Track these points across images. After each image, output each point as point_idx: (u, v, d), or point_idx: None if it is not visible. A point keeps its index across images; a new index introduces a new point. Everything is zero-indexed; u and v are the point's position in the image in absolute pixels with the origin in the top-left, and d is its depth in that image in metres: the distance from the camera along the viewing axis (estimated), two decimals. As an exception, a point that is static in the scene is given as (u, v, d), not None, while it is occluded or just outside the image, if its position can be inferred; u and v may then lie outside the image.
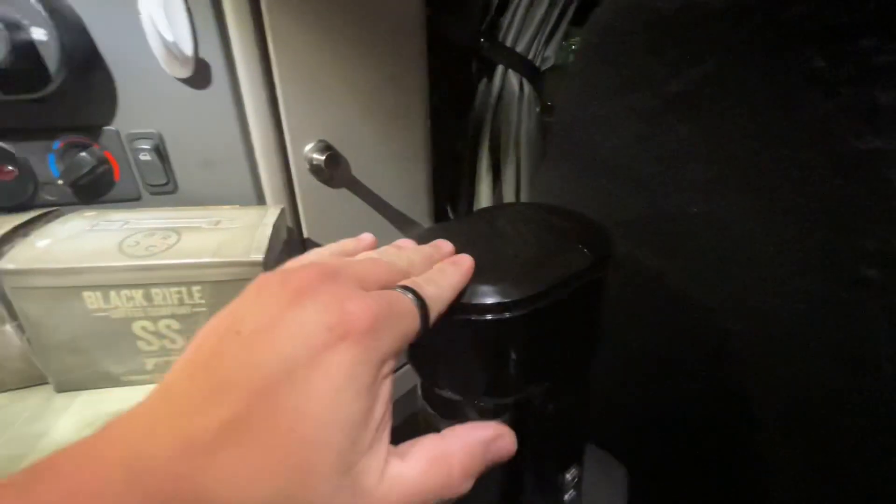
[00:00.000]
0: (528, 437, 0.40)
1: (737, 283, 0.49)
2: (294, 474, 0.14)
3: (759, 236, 0.46)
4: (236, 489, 0.14)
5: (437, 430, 0.42)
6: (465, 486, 0.19)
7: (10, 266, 0.30)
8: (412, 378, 0.41)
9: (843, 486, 0.44)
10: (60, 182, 0.39)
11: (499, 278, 0.31)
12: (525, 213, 0.44)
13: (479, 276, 0.32)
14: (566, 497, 0.45)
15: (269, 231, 0.36)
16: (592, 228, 0.39)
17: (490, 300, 0.30)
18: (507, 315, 0.30)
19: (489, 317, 0.30)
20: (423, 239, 0.39)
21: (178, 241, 0.34)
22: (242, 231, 0.36)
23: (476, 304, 0.30)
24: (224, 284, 0.33)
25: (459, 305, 0.30)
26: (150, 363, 0.34)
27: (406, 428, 0.61)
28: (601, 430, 0.55)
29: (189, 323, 0.33)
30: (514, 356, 0.33)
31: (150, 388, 0.34)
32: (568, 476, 0.44)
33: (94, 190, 0.40)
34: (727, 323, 0.50)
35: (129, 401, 0.34)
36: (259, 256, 0.33)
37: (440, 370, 0.35)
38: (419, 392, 0.40)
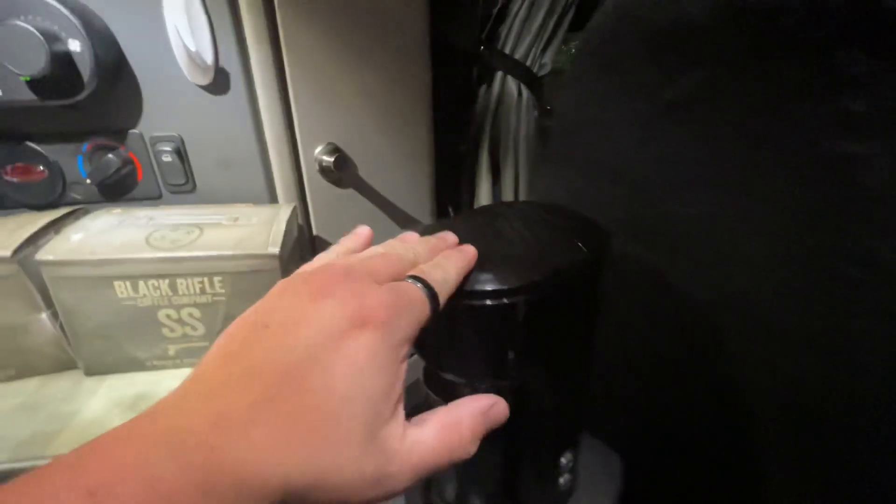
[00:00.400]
0: (526, 421, 0.43)
1: (732, 282, 0.51)
2: (322, 443, 0.16)
3: (752, 236, 0.49)
4: (268, 458, 0.15)
5: None
6: (473, 447, 0.22)
7: (50, 257, 0.32)
8: (415, 371, 0.43)
9: (835, 479, 0.47)
10: (88, 182, 0.42)
11: (498, 268, 0.34)
12: (523, 211, 0.47)
13: (480, 266, 0.34)
14: (561, 480, 0.48)
15: (283, 227, 0.39)
16: (588, 225, 0.42)
17: (490, 287, 0.32)
18: (505, 301, 0.33)
19: (489, 302, 0.32)
20: (425, 234, 0.42)
21: (201, 235, 0.36)
22: (259, 227, 0.38)
23: (477, 291, 0.32)
24: (243, 275, 0.35)
25: (461, 292, 0.33)
26: (172, 349, 0.37)
27: (410, 416, 0.63)
28: (599, 421, 0.57)
29: (209, 312, 0.36)
30: (511, 342, 0.36)
31: (172, 372, 0.37)
32: (563, 460, 0.47)
33: (118, 189, 0.43)
34: (722, 320, 0.53)
35: (154, 384, 0.37)
36: (276, 250, 0.35)
37: (444, 354, 0.37)
38: (422, 379, 0.43)
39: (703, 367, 0.55)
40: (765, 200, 0.47)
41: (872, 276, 0.40)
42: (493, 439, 0.45)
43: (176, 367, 0.38)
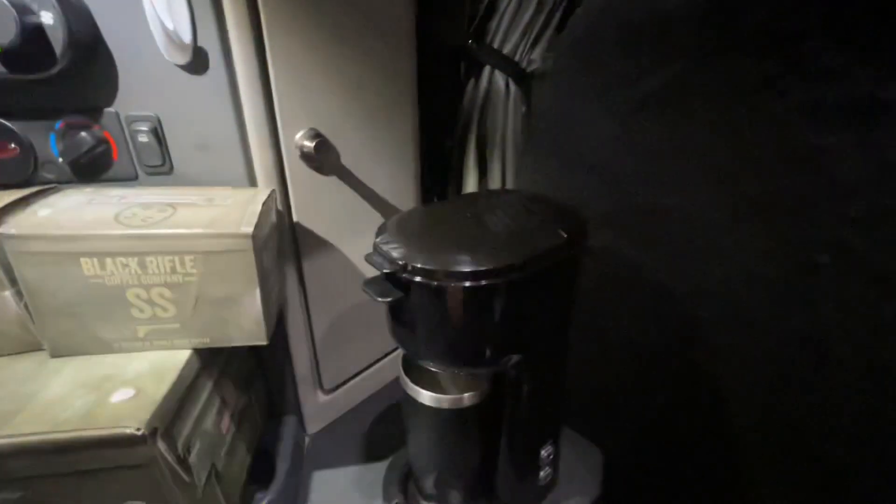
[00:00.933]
0: (505, 412, 0.42)
1: (706, 273, 0.52)
2: None
3: (724, 227, 0.49)
4: None
5: (417, 414, 0.44)
6: None
7: (13, 231, 0.32)
8: (395, 369, 0.42)
9: (809, 464, 0.47)
10: (60, 160, 0.41)
11: (477, 250, 0.34)
12: (506, 199, 0.47)
13: (460, 248, 0.34)
14: (541, 474, 0.47)
15: (259, 208, 0.38)
16: (568, 213, 0.42)
17: (467, 269, 0.32)
18: (483, 283, 0.32)
19: (467, 284, 0.32)
20: (405, 219, 0.41)
21: (174, 214, 0.35)
22: (234, 207, 0.38)
23: (455, 273, 0.32)
24: (215, 255, 0.35)
25: (440, 273, 0.33)
26: (142, 330, 0.36)
27: (389, 413, 0.62)
28: (580, 415, 0.57)
29: (180, 292, 0.35)
30: (489, 325, 0.35)
31: (141, 354, 0.36)
32: (544, 453, 0.46)
33: (92, 169, 0.42)
34: (697, 310, 0.53)
35: (121, 366, 0.36)
36: (249, 229, 0.35)
37: (421, 340, 0.37)
38: (401, 369, 0.42)
39: (681, 359, 0.55)
40: (736, 192, 0.47)
41: (842, 265, 0.41)
42: (472, 431, 0.44)
43: (145, 349, 0.37)
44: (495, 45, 0.69)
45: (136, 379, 0.34)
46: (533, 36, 0.70)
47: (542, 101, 0.65)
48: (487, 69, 0.70)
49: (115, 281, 0.34)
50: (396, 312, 0.37)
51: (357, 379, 0.63)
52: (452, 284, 0.32)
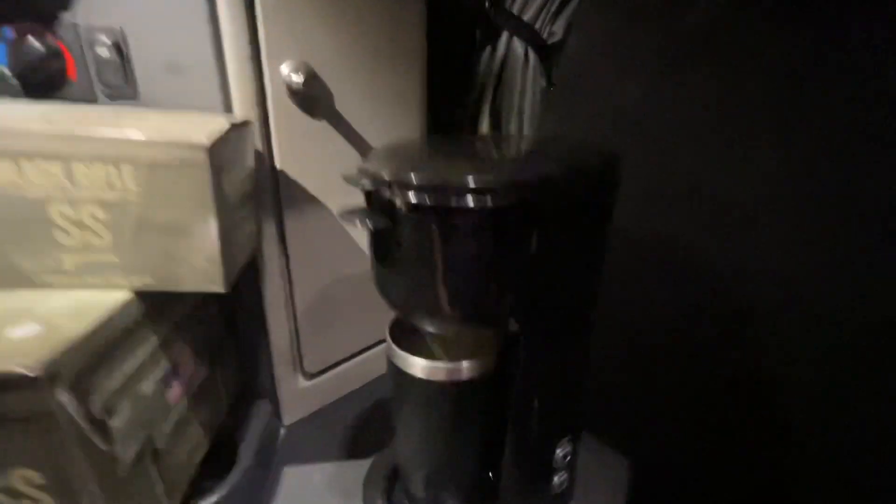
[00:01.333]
0: (514, 395, 0.34)
1: (761, 251, 0.43)
2: None
3: (786, 191, 0.41)
4: None
5: (406, 390, 0.35)
6: None
7: None
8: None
9: (865, 483, 0.37)
10: (9, 75, 0.36)
11: (484, 166, 0.26)
12: (526, 135, 0.40)
13: (462, 164, 0.27)
14: (556, 479, 0.38)
15: (226, 126, 0.32)
16: (598, 148, 0.34)
17: (471, 184, 0.25)
18: (489, 205, 0.25)
19: (470, 202, 0.25)
20: (400, 143, 0.34)
21: (116, 118, 0.29)
22: (195, 123, 0.31)
23: (453, 188, 0.25)
24: (161, 168, 0.28)
25: (434, 189, 0.25)
26: (69, 261, 0.29)
27: (379, 408, 0.53)
28: (602, 420, 0.48)
29: (117, 213, 0.29)
30: (496, 263, 0.27)
31: (68, 293, 0.29)
32: (559, 452, 0.38)
33: (45, 87, 0.37)
34: (747, 293, 0.44)
35: (37, 302, 0.28)
36: (204, 140, 0.28)
37: (410, 285, 0.29)
38: (387, 333, 0.35)
39: (724, 357, 0.45)
40: (802, 148, 0.39)
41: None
42: (473, 415, 0.36)
43: (74, 286, 0.30)
44: (515, 11, 0.63)
45: (49, 315, 0.27)
46: (555, 5, 0.64)
47: (568, 47, 0.57)
48: (505, 36, 0.64)
49: (34, 193, 0.27)
50: (381, 250, 0.29)
51: (345, 365, 0.55)
52: (453, 200, 0.25)
